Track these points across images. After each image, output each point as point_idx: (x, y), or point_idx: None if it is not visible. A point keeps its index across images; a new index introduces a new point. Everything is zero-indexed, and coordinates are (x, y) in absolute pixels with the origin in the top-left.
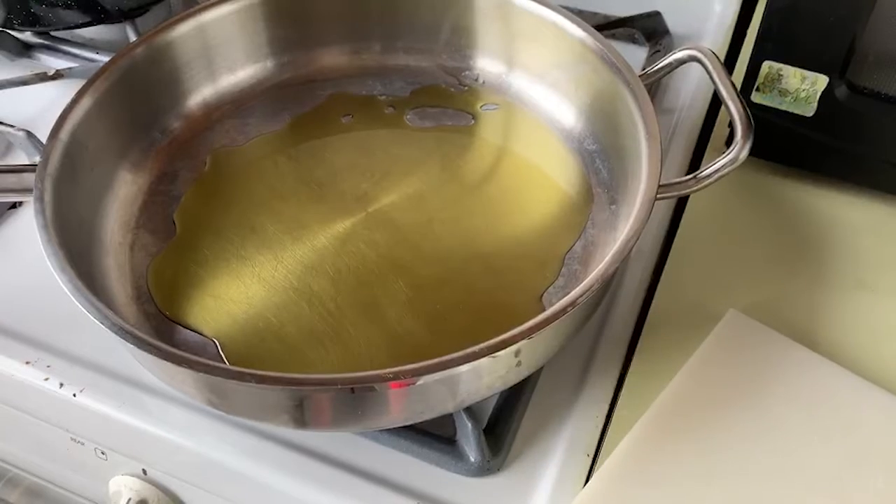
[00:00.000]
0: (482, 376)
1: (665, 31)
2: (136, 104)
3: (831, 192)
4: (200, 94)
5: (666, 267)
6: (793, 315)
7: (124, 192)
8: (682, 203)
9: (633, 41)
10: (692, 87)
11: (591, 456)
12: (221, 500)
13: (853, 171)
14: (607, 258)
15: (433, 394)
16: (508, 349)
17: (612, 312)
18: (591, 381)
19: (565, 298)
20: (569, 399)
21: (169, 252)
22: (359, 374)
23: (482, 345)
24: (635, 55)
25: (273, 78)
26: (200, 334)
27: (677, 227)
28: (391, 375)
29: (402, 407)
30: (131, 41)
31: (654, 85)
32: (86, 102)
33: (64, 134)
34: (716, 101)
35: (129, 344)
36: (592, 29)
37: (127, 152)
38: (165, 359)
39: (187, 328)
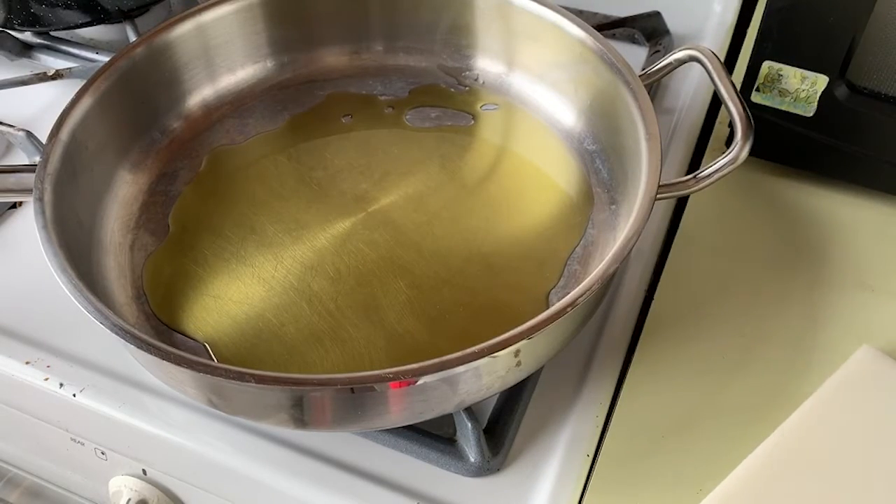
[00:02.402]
0: (482, 376)
1: (665, 31)
2: (135, 104)
3: (831, 192)
4: (200, 94)
5: (666, 267)
6: (790, 315)
7: (124, 193)
8: (682, 203)
9: (633, 41)
10: (692, 87)
11: (591, 456)
12: (221, 500)
13: (853, 171)
14: (607, 258)
15: (433, 394)
16: (508, 349)
17: (612, 312)
18: (591, 381)
19: (565, 298)
20: (569, 399)
21: (164, 251)
22: (359, 374)
23: (482, 345)
24: (635, 55)
25: (272, 78)
26: (192, 339)
27: (677, 227)
28: (391, 375)
29: (402, 407)
30: (131, 41)
31: (654, 85)
32: (86, 102)
33: (64, 134)
34: (716, 101)
35: (128, 344)
36: (592, 29)
37: (127, 152)
38: (165, 359)
39: (180, 332)
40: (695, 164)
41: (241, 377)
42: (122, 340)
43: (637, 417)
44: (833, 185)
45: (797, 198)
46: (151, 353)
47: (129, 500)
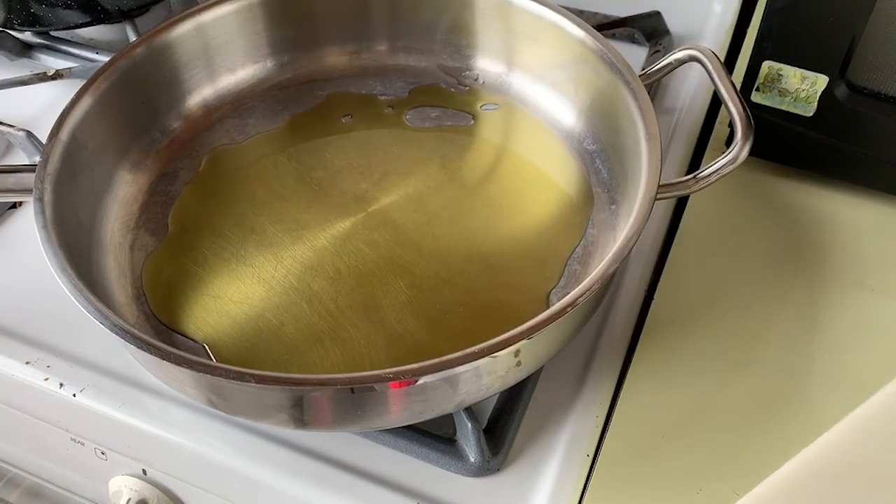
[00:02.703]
0: (482, 376)
1: (665, 31)
2: (135, 104)
3: (831, 191)
4: (200, 94)
5: (666, 267)
6: (790, 314)
7: (124, 193)
8: (681, 203)
9: (633, 41)
10: (692, 87)
11: (591, 456)
12: (221, 500)
13: (853, 171)
14: (607, 258)
15: (433, 394)
16: (508, 349)
17: (612, 312)
18: (591, 381)
19: (565, 298)
20: (569, 399)
21: (164, 251)
22: (359, 374)
23: (482, 345)
24: (635, 55)
25: (272, 78)
26: (192, 339)
27: (677, 227)
28: (391, 375)
29: (402, 407)
30: (131, 41)
31: (654, 85)
32: (86, 102)
33: (64, 134)
34: (715, 102)
35: (128, 344)
36: (592, 29)
37: (127, 152)
38: (165, 359)
39: (179, 333)
40: (695, 163)
41: (240, 377)
42: (122, 340)
43: (637, 417)
44: (833, 185)
45: (797, 197)
46: (151, 353)
47: (130, 500)
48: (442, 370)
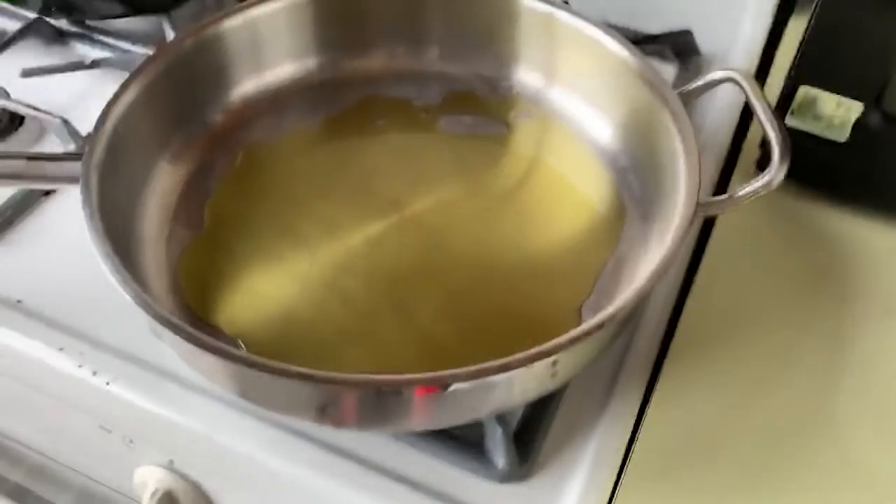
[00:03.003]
0: (517, 385)
1: (696, 51)
2: (180, 95)
3: (860, 218)
4: (242, 89)
5: (693, 287)
6: (820, 336)
7: (162, 184)
8: (707, 224)
9: (663, 58)
10: (718, 108)
11: (618, 469)
12: (247, 493)
13: (884, 198)
14: (648, 273)
15: (466, 400)
16: (547, 360)
17: (639, 328)
18: (618, 395)
19: (605, 311)
20: (596, 411)
21: (200, 246)
22: (393, 377)
23: (520, 354)
24: (665, 72)
25: (312, 77)
26: (225, 333)
27: (703, 247)
28: (425, 380)
29: (434, 412)
30: (168, 33)
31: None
32: (132, 92)
33: (110, 123)
34: (742, 124)
35: (171, 334)
36: (633, 46)
37: (168, 143)
38: (209, 351)
39: (213, 326)
40: (720, 185)
41: (285, 373)
42: (166, 330)
43: (664, 432)
44: (863, 212)
45: (826, 222)
46: (194, 344)
47: (156, 490)
48: (477, 378)
